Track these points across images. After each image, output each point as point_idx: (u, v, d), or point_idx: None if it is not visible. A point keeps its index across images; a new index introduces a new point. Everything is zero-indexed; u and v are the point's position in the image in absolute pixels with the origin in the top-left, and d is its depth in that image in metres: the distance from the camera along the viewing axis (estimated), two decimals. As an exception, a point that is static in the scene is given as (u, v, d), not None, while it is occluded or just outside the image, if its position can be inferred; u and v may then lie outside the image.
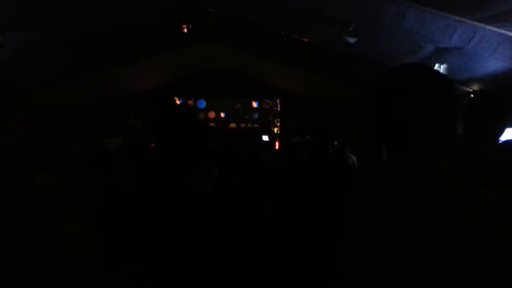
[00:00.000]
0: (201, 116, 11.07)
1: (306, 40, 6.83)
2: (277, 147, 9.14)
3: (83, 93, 8.47)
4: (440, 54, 5.48)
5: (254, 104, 11.56)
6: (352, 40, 5.71)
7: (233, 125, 11.42)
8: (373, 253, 0.94)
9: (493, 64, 5.19)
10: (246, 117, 11.55)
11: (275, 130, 11.47)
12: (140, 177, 2.69)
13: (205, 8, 6.77)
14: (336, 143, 6.79)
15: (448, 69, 5.45)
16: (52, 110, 7.73)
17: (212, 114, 11.40)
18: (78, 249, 2.01)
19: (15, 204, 1.84)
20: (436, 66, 5.46)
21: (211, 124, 10.93)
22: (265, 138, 11.03)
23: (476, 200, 0.86)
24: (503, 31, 4.46)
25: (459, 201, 0.86)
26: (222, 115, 11.51)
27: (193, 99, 11.17)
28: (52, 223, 1.90)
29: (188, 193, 2.33)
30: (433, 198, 0.89)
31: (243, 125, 11.47)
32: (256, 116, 11.57)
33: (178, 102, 11.01)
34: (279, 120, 11.49)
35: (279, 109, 11.52)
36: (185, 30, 7.09)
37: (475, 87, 5.98)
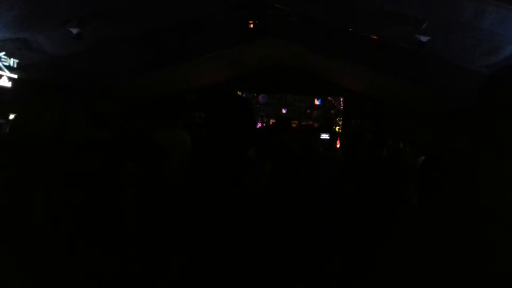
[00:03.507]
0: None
1: (375, 37, 6.63)
2: (338, 146, 8.98)
3: (152, 87, 8.80)
4: (522, 56, 5.11)
5: (316, 102, 11.43)
6: (424, 38, 5.45)
7: (294, 121, 11.36)
8: None
9: None
10: (308, 114, 11.45)
11: (337, 128, 11.27)
12: (192, 173, 2.71)
13: (273, 4, 6.77)
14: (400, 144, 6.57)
15: (530, 71, 5.07)
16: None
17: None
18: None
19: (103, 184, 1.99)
20: (517, 68, 5.11)
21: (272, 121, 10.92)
22: (326, 136, 10.86)
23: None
24: None
25: None
26: (284, 111, 11.48)
27: (255, 94, 11.24)
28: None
29: (238, 193, 2.31)
30: None
31: (304, 122, 11.36)
32: (318, 113, 11.43)
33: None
34: (341, 118, 11.28)
35: (341, 107, 11.31)
36: (252, 26, 7.15)
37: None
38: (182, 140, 4.74)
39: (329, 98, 11.35)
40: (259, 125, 10.90)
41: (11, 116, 5.36)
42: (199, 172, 2.53)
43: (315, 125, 11.07)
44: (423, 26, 5.31)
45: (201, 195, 2.38)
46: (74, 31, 5.54)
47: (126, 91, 7.78)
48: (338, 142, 9.64)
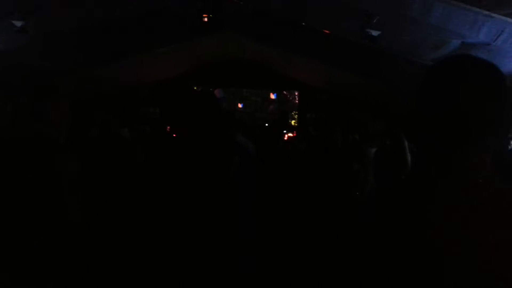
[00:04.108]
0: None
1: (327, 31, 6.73)
2: (293, 139, 9.10)
3: (103, 81, 8.53)
4: (466, 49, 5.34)
5: (272, 96, 11.51)
6: (375, 33, 5.58)
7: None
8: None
9: (521, 61, 5.05)
10: (264, 108, 11.52)
11: (293, 122, 11.42)
12: (160, 165, 2.71)
13: (227, -2, 6.72)
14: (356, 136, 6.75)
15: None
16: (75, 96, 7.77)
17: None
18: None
19: (36, 181, 1.90)
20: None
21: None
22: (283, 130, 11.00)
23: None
24: (533, 28, 4.32)
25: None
26: (240, 105, 11.48)
27: (211, 89, 11.16)
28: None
29: (209, 180, 2.33)
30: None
31: (260, 115, 11.43)
32: (273, 107, 11.52)
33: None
34: (296, 112, 11.43)
35: (296, 101, 11.45)
36: (206, 19, 7.05)
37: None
38: (116, 135, 4.81)
39: (284, 92, 11.46)
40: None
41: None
42: (169, 164, 2.54)
43: (271, 118, 11.16)
44: (374, 21, 5.45)
45: (172, 188, 2.39)
46: (18, 24, 5.27)
47: (74, 85, 7.49)
48: (294, 135, 9.77)
